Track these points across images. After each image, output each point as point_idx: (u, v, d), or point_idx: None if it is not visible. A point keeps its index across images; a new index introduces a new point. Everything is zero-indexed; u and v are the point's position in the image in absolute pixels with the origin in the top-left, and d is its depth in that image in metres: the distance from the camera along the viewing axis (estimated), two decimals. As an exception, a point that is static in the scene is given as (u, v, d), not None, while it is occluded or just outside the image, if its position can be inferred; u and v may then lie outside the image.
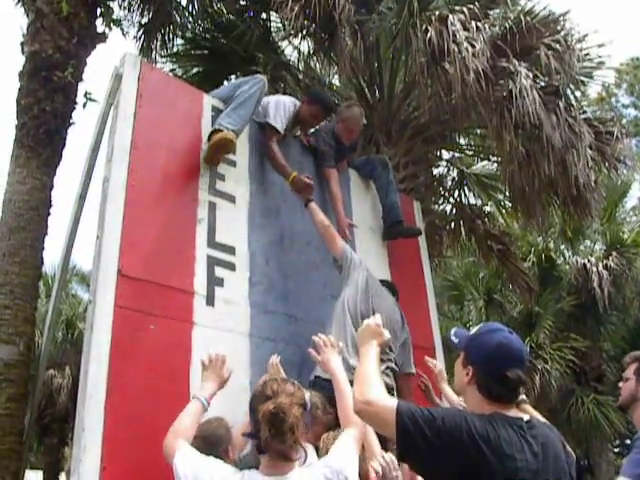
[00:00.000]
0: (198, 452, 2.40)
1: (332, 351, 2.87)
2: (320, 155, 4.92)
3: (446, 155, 9.46)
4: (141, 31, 7.83)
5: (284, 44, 8.70)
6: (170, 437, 2.46)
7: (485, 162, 9.36)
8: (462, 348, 2.13)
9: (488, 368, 1.97)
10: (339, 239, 4.11)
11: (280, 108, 4.58)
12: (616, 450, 18.67)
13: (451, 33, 5.70)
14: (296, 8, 5.62)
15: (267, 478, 2.12)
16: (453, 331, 2.26)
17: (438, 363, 4.21)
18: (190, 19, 8.16)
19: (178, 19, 8.01)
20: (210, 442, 2.60)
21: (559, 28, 6.43)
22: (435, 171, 9.50)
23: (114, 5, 6.11)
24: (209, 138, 4.00)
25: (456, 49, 5.61)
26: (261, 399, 2.18)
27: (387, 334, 2.36)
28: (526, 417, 1.96)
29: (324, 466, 2.24)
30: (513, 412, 1.96)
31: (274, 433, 2.08)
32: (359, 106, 5.35)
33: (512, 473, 1.78)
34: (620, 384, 3.11)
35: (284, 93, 7.55)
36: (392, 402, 1.93)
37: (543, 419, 2.29)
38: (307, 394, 2.29)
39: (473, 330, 2.16)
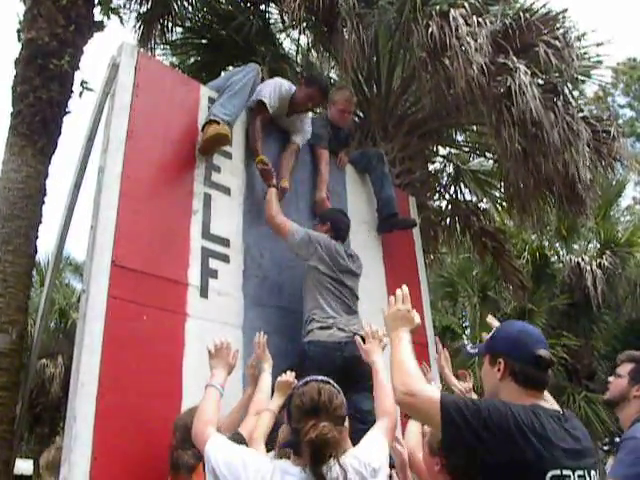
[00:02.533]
0: (229, 440, 2.38)
1: (376, 343, 2.93)
2: (314, 136, 4.94)
3: (442, 151, 9.46)
4: (140, 20, 7.79)
5: (283, 36, 8.70)
6: (199, 425, 2.43)
7: (481, 159, 9.37)
8: (485, 351, 2.14)
9: (519, 352, 2.00)
10: (285, 228, 4.09)
11: (275, 88, 4.58)
12: (606, 448, 18.76)
13: (453, 27, 5.69)
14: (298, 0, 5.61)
15: (300, 468, 2.10)
16: (469, 346, 2.31)
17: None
18: (189, 9, 8.13)
19: (177, 9, 7.97)
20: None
21: (558, 26, 6.43)
22: (431, 167, 9.51)
23: (112, -7, 6.07)
24: (203, 128, 4.00)
25: (458, 43, 5.61)
26: (301, 412, 2.15)
27: (418, 318, 2.30)
28: (560, 409, 1.98)
29: (352, 457, 2.22)
30: (547, 404, 1.98)
31: (314, 461, 2.07)
32: (349, 89, 5.38)
33: (558, 461, 1.79)
34: (610, 379, 3.09)
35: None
36: (436, 394, 1.91)
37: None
38: (344, 399, 2.26)
39: (490, 334, 2.18)
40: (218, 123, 3.94)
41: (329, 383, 2.26)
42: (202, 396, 2.61)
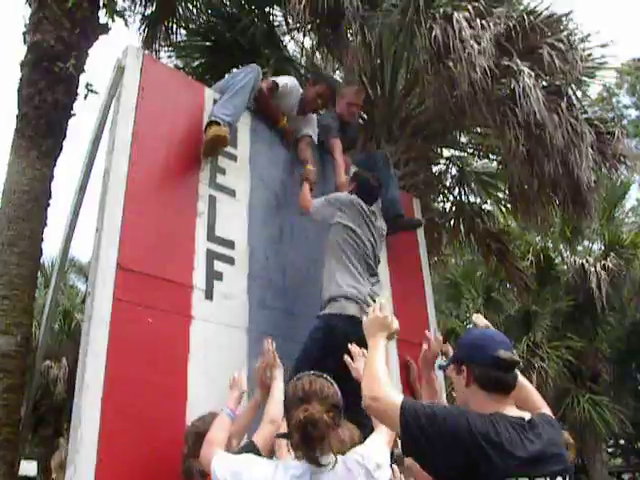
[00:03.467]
0: (232, 454, 2.46)
1: (364, 361, 2.96)
2: (324, 128, 4.97)
3: (446, 153, 9.46)
4: (144, 23, 7.81)
5: (287, 38, 8.72)
6: (205, 448, 2.51)
7: (485, 160, 9.36)
8: (450, 362, 2.21)
9: (478, 355, 2.05)
10: (309, 204, 4.25)
11: (293, 83, 4.78)
12: (610, 450, 18.73)
13: (457, 30, 5.70)
14: (303, 1, 5.62)
15: (302, 462, 2.16)
16: (438, 363, 2.41)
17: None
18: (194, 11, 8.14)
19: (181, 11, 7.99)
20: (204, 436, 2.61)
21: (562, 28, 6.42)
22: (435, 169, 9.49)
23: (117, -4, 6.09)
24: (205, 129, 4.01)
25: (461, 46, 5.61)
26: (294, 401, 2.23)
27: (396, 324, 2.39)
28: (527, 416, 2.00)
29: (356, 454, 2.29)
30: (515, 411, 2.01)
31: (304, 442, 2.12)
32: (358, 84, 5.40)
33: (512, 470, 1.83)
34: None
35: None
36: (398, 399, 1.98)
37: (541, 400, 2.33)
38: (337, 390, 2.33)
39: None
40: (218, 124, 3.95)
41: (322, 377, 2.34)
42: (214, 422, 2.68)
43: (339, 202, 4.10)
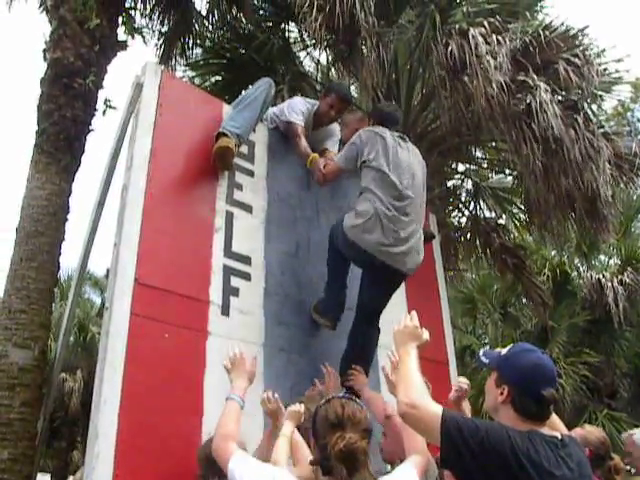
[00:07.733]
0: (253, 457, 2.40)
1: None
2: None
3: (461, 168, 9.44)
4: (161, 40, 7.89)
5: (302, 55, 8.76)
6: (219, 441, 2.44)
7: (501, 175, 9.34)
8: (494, 367, 2.16)
9: (525, 387, 2.02)
10: (337, 170, 4.22)
11: (294, 104, 4.69)
12: (628, 468, 18.44)
13: (472, 46, 5.70)
14: (320, 19, 5.64)
15: None
16: (482, 351, 2.30)
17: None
18: (210, 28, 8.21)
19: (198, 28, 8.06)
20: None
21: (577, 43, 6.41)
22: (450, 183, 9.47)
23: (135, 14, 6.17)
24: (215, 141, 4.01)
25: (477, 62, 5.61)
26: (325, 426, 2.17)
27: (426, 334, 2.37)
28: (559, 435, 2.01)
29: None
30: (546, 430, 2.01)
31: (350, 471, 2.07)
32: (360, 111, 5.48)
33: None
34: None
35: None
36: (437, 409, 1.97)
37: (566, 430, 2.32)
38: (367, 414, 2.27)
39: (504, 350, 2.19)
40: (226, 135, 3.96)
41: (351, 399, 2.29)
42: (222, 409, 2.61)
43: (360, 139, 4.04)
